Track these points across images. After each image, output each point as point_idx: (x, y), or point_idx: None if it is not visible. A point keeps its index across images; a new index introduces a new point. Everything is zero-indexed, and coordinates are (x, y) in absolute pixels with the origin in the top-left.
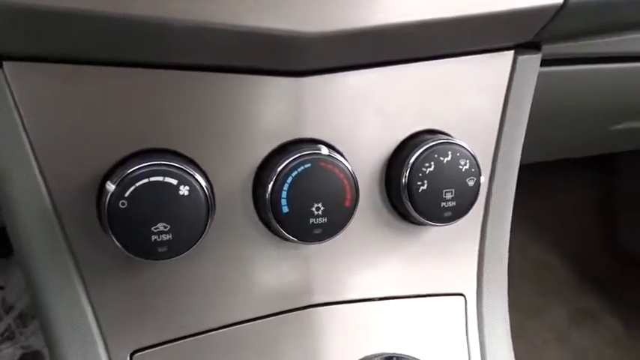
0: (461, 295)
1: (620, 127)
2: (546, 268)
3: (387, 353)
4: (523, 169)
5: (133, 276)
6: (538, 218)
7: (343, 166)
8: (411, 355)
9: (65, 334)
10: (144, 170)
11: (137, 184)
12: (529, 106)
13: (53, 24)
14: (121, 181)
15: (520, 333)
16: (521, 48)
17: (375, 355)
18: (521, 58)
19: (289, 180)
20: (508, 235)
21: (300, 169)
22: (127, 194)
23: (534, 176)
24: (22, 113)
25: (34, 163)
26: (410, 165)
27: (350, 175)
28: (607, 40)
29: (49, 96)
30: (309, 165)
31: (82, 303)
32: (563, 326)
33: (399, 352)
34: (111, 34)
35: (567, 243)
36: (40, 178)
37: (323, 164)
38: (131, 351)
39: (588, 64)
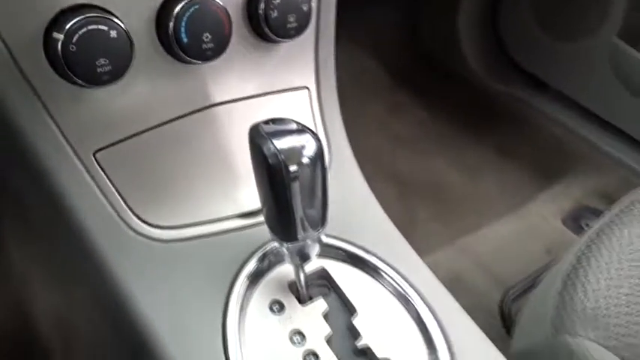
0: (306, 88)
1: None
2: (366, 74)
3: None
4: None
5: (82, 98)
6: (354, 36)
7: (221, 5)
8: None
9: (38, 144)
10: (82, 21)
11: (80, 32)
12: None
13: None
14: (67, 31)
15: (348, 127)
16: None
17: (261, 121)
18: None
19: (185, 18)
20: (332, 45)
21: (192, 9)
22: (74, 40)
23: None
24: None
25: None
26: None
27: (226, 12)
28: None
29: None
30: (197, 6)
31: (46, 121)
32: (382, 117)
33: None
34: None
35: (381, 54)
36: None
37: (209, 4)
38: (93, 151)
39: None
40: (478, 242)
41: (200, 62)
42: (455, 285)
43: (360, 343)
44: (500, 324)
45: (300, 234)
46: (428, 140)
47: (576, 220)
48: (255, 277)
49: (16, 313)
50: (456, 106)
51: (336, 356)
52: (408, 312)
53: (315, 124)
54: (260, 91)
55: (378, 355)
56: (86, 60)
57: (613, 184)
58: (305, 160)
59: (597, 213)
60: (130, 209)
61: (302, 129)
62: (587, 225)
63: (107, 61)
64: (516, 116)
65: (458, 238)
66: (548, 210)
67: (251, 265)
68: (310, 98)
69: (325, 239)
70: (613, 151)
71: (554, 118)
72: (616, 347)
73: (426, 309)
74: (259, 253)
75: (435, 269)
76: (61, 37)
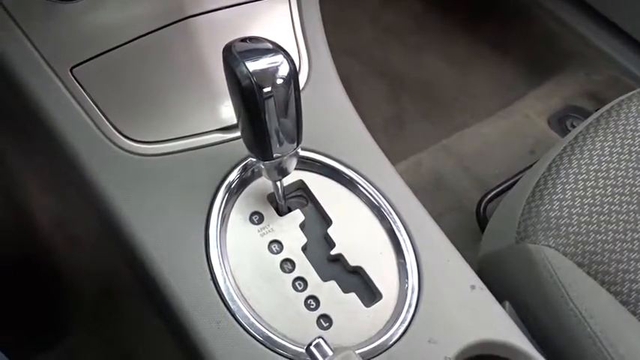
0: None
1: None
2: None
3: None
4: None
5: (54, 14)
6: None
7: None
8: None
9: (15, 63)
10: None
11: None
12: None
13: None
14: None
15: (341, 20)
16: None
17: (234, 39)
18: None
19: None
20: None
21: None
22: None
23: None
24: None
25: None
26: None
27: None
28: None
29: None
30: None
31: (20, 39)
32: (375, 8)
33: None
34: None
35: None
36: None
37: None
38: (70, 67)
39: None
40: (463, 141)
41: None
42: (436, 185)
43: (334, 252)
44: (477, 225)
45: (277, 152)
46: (421, 33)
47: (561, 121)
48: (236, 190)
49: (19, 215)
50: None
51: (311, 264)
52: (381, 223)
53: (295, 34)
54: (237, 0)
55: (351, 262)
56: None
57: (602, 83)
58: (278, 82)
59: (583, 113)
60: (112, 125)
61: (275, 49)
62: (572, 125)
63: None
64: (512, 9)
65: (443, 136)
66: (534, 109)
67: (232, 178)
68: (290, 6)
69: (303, 152)
70: (607, 48)
71: (551, 12)
72: (574, 254)
73: (398, 220)
74: (239, 167)
75: (417, 169)
76: None
